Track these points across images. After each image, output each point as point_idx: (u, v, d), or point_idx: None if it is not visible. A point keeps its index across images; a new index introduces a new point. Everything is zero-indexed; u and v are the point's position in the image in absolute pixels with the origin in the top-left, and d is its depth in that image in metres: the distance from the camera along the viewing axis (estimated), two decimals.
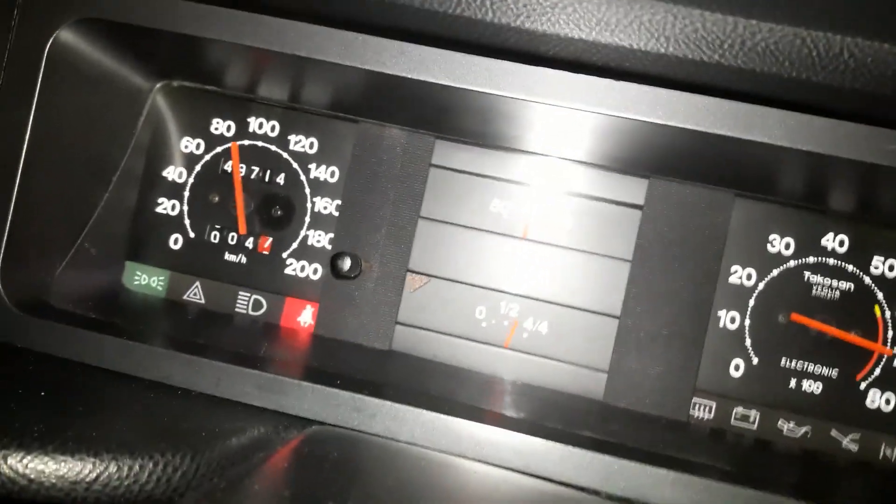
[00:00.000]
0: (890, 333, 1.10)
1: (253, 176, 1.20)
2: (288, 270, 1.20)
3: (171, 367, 0.96)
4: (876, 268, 1.11)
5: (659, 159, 1.06)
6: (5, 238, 0.99)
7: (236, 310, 1.20)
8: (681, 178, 1.12)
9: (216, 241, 1.21)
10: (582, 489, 0.90)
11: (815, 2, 0.82)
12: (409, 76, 0.93)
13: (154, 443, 0.83)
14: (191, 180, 1.21)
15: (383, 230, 1.16)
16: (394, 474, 0.86)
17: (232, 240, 1.20)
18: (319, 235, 1.19)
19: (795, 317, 1.11)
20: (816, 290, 1.12)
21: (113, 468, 0.79)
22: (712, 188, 1.11)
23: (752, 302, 1.13)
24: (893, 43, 0.81)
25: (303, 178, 1.19)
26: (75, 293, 1.10)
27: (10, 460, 0.77)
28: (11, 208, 0.99)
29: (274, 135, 1.20)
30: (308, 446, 0.89)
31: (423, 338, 1.17)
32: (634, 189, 1.14)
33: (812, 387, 1.11)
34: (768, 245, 1.13)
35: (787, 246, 1.13)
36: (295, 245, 1.20)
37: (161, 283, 1.21)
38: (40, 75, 0.98)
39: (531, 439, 0.91)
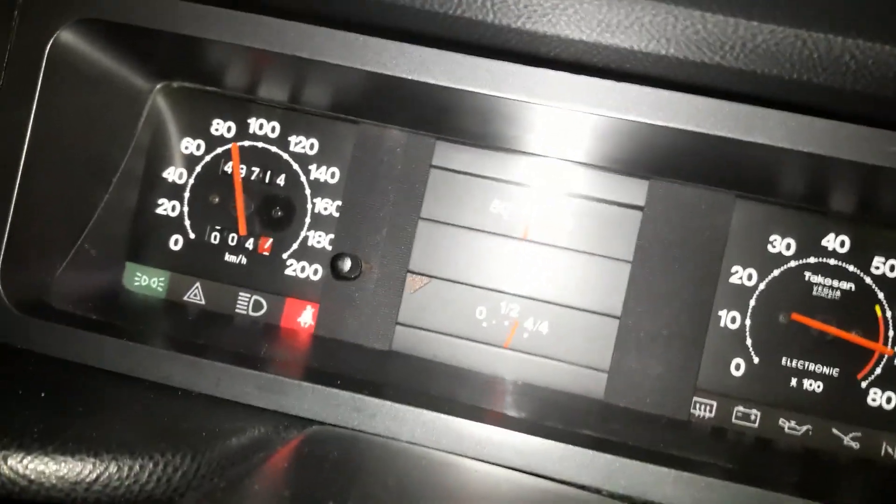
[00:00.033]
0: (891, 333, 1.10)
1: (253, 177, 1.20)
2: (288, 271, 1.20)
3: (171, 367, 0.96)
4: (877, 268, 1.11)
5: (659, 160, 1.06)
6: (5, 239, 0.99)
7: (236, 310, 1.20)
8: (681, 180, 1.12)
9: (216, 241, 1.21)
10: (583, 488, 0.90)
11: (815, 3, 0.82)
12: (410, 77, 0.93)
13: (154, 443, 0.83)
14: (191, 181, 1.21)
15: (384, 231, 1.16)
16: (394, 474, 0.86)
17: (232, 241, 1.20)
18: (320, 236, 1.19)
19: (796, 316, 1.11)
20: (817, 290, 1.12)
21: (113, 468, 0.79)
22: (713, 189, 1.11)
23: (752, 302, 1.13)
24: (894, 45, 0.81)
25: (303, 178, 1.19)
26: (75, 294, 1.09)
27: (11, 461, 0.77)
28: (12, 209, 0.99)
29: (274, 136, 1.20)
30: (308, 446, 0.89)
31: (423, 338, 1.17)
32: (635, 190, 1.14)
33: (813, 386, 1.11)
34: (769, 246, 1.13)
35: (788, 246, 1.13)
36: (295, 246, 1.20)
37: (161, 284, 1.21)
38: (40, 76, 0.98)
39: (532, 438, 0.91)
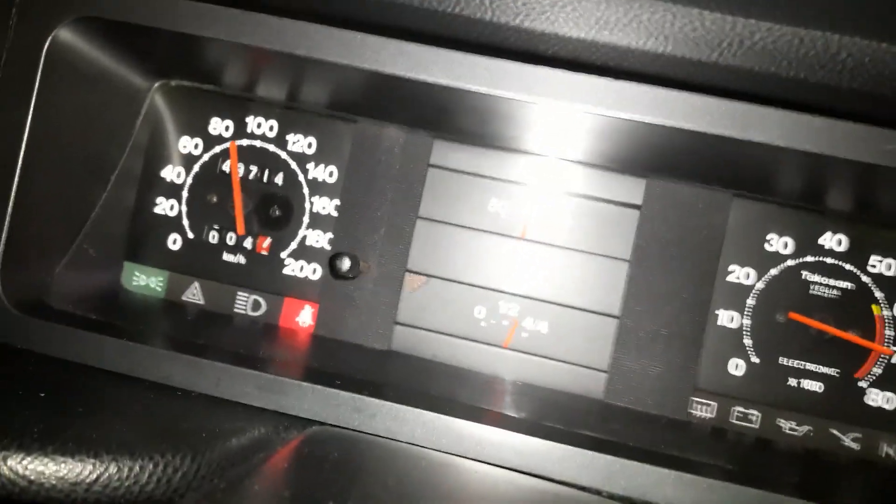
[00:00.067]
0: (888, 332, 1.10)
1: (251, 176, 1.20)
2: (287, 271, 1.20)
3: (170, 367, 0.96)
4: (874, 267, 1.12)
5: (657, 159, 1.06)
6: (4, 238, 0.99)
7: (235, 310, 1.20)
8: (679, 178, 1.12)
9: (215, 241, 1.20)
10: (583, 489, 0.90)
11: (813, 1, 0.82)
12: (408, 75, 0.93)
13: (154, 443, 0.83)
14: (189, 180, 1.21)
15: (382, 230, 1.16)
16: (394, 474, 0.86)
17: (230, 240, 1.20)
18: (318, 235, 1.19)
19: (794, 316, 1.11)
20: (815, 289, 1.12)
21: (113, 469, 0.79)
22: (710, 188, 1.12)
23: (750, 301, 1.13)
24: (891, 42, 0.81)
25: (301, 178, 1.19)
26: (74, 294, 1.09)
27: (10, 461, 0.77)
28: (10, 208, 0.98)
29: (272, 134, 1.20)
30: (308, 446, 0.89)
31: (422, 338, 1.17)
32: (633, 189, 1.14)
33: (812, 386, 1.12)
34: (766, 244, 1.13)
35: (786, 245, 1.13)
36: (294, 245, 1.19)
37: (160, 284, 1.21)
38: (38, 74, 0.97)
39: (531, 439, 0.91)
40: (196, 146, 1.21)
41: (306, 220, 1.19)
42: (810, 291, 1.12)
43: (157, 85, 1.18)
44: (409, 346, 1.17)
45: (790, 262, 1.13)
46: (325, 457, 0.86)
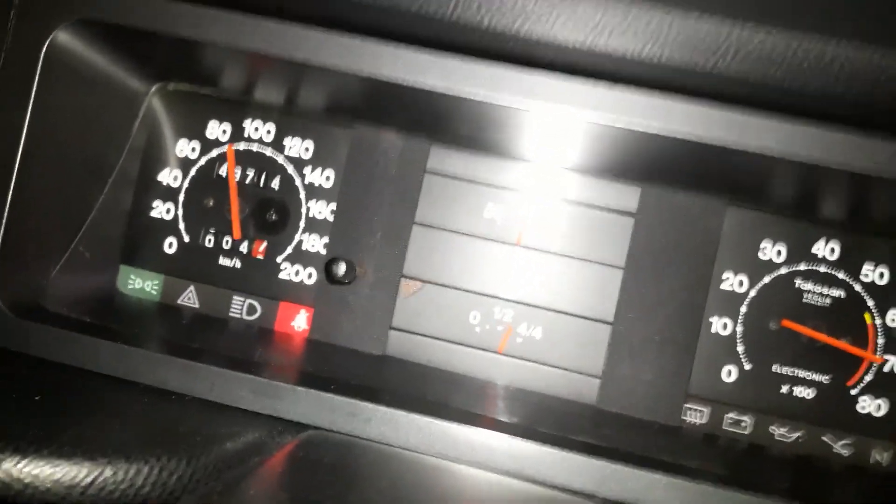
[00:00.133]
0: (880, 340, 1.11)
1: (248, 180, 1.20)
2: (282, 275, 1.20)
3: (165, 371, 0.96)
4: (866, 275, 1.12)
5: (652, 166, 1.07)
6: (0, 241, 0.98)
7: (230, 314, 1.20)
8: (674, 186, 1.12)
9: (211, 245, 1.20)
10: (576, 493, 0.90)
11: (808, 9, 0.82)
12: (405, 81, 0.93)
13: (150, 447, 0.83)
14: (186, 184, 1.21)
15: (378, 235, 1.17)
16: (388, 479, 0.87)
17: (226, 244, 1.20)
18: (314, 240, 1.19)
19: (786, 323, 1.12)
20: (807, 296, 1.13)
21: (108, 472, 0.79)
22: (705, 196, 1.12)
23: (743, 308, 1.13)
24: (886, 50, 0.81)
25: (298, 182, 1.19)
26: (70, 297, 1.09)
27: (6, 464, 0.76)
28: (7, 211, 0.98)
29: (269, 139, 1.20)
30: (303, 451, 0.89)
31: (417, 343, 1.17)
32: (627, 196, 1.15)
33: (804, 392, 1.12)
34: (760, 252, 1.14)
35: (779, 253, 1.13)
36: (289, 250, 1.20)
37: (155, 287, 1.21)
38: (37, 76, 0.97)
39: (525, 444, 0.91)
40: (193, 150, 1.21)
41: (302, 224, 1.19)
42: (803, 299, 1.13)
43: (154, 88, 1.18)
44: (405, 351, 1.17)
45: (783, 270, 1.13)
46: (320, 461, 0.86)
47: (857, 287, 1.12)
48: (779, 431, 1.12)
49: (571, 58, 0.89)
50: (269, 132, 1.20)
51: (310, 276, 1.19)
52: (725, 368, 1.13)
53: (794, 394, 1.12)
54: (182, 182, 1.21)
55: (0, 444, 0.77)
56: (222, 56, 1.02)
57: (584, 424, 1.04)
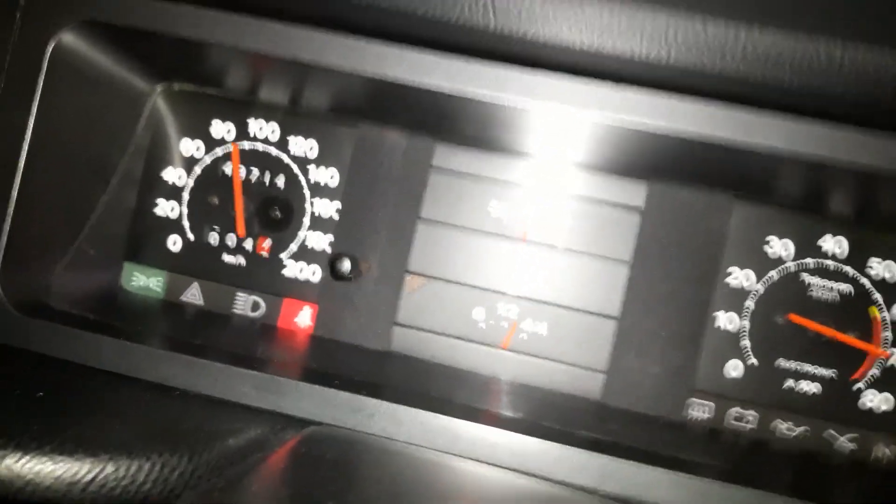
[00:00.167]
0: (886, 335, 1.10)
1: (253, 178, 1.20)
2: (286, 272, 1.20)
3: (169, 367, 0.96)
4: (873, 270, 1.11)
5: (659, 163, 1.07)
6: (5, 239, 0.99)
7: (234, 311, 1.20)
8: (680, 182, 1.12)
9: (215, 242, 1.21)
10: (580, 489, 0.90)
11: (813, 9, 0.82)
12: (411, 82, 0.93)
13: (151, 443, 0.83)
14: (190, 182, 1.21)
15: (383, 232, 1.17)
16: (392, 474, 0.86)
17: (231, 242, 1.20)
18: (319, 237, 1.19)
19: (793, 318, 1.11)
20: (814, 291, 1.12)
21: (110, 469, 0.79)
22: (711, 191, 1.12)
23: (749, 303, 1.13)
24: (891, 49, 0.81)
25: (303, 180, 1.20)
26: (73, 294, 1.10)
27: (7, 461, 0.77)
28: (12, 209, 0.99)
29: (274, 138, 1.20)
30: (306, 446, 0.89)
31: (421, 339, 1.17)
32: (634, 192, 1.15)
33: (809, 387, 1.11)
34: (766, 247, 1.13)
35: (785, 248, 1.13)
36: (294, 247, 1.20)
37: (159, 285, 1.22)
38: (42, 77, 0.98)
39: (529, 439, 0.91)
40: (198, 149, 1.21)
41: (307, 222, 1.20)
42: (809, 294, 1.12)
43: (159, 88, 1.18)
44: (409, 346, 1.17)
45: (790, 265, 1.13)
46: (323, 457, 0.86)
47: (864, 282, 1.11)
48: (783, 426, 1.11)
49: (577, 59, 0.89)
50: (273, 131, 1.20)
51: (314, 273, 1.19)
52: (730, 364, 1.13)
53: (798, 389, 1.12)
54: (186, 180, 1.21)
55: (2, 441, 0.78)
56: (226, 57, 1.02)
57: (589, 420, 1.04)
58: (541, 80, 0.92)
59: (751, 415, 1.12)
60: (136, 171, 1.20)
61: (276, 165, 1.20)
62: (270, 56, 0.95)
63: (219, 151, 1.21)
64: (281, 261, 1.20)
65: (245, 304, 1.20)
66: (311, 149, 1.20)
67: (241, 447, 0.88)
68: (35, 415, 0.84)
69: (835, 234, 1.12)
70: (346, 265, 1.12)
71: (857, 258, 1.12)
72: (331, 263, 1.13)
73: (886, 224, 1.10)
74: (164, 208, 1.21)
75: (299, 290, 1.20)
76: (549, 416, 1.01)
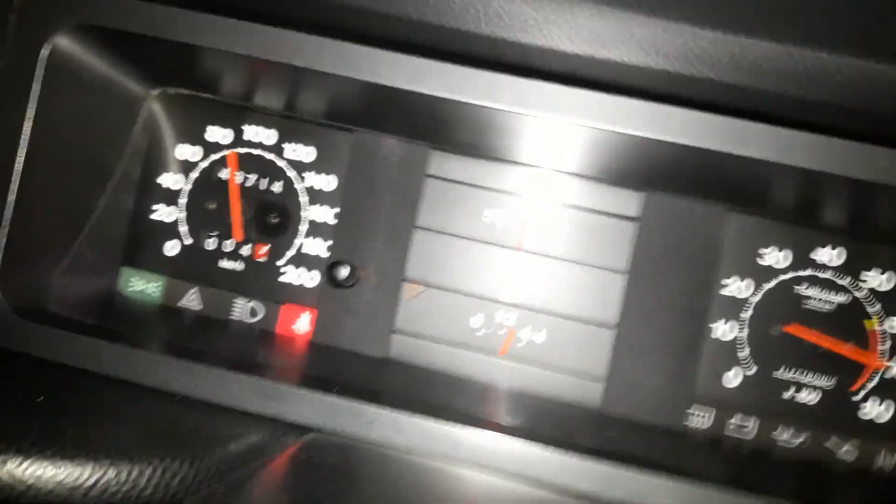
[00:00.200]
0: (882, 346, 1.11)
1: (250, 184, 1.20)
2: (284, 278, 1.19)
3: (167, 372, 0.95)
4: (868, 281, 1.12)
5: (654, 173, 1.07)
6: (4, 242, 0.98)
7: (232, 317, 1.20)
8: (676, 192, 1.13)
9: (212, 247, 1.20)
10: (579, 496, 0.90)
11: (805, 20, 0.83)
12: (405, 87, 0.93)
13: (153, 448, 0.83)
14: (187, 187, 1.21)
15: (380, 239, 1.17)
16: (391, 481, 0.86)
17: (228, 247, 1.20)
18: (316, 243, 1.19)
19: (788, 329, 1.12)
20: (809, 302, 1.13)
21: (111, 474, 0.79)
22: (707, 202, 1.12)
23: (746, 313, 1.13)
24: (882, 61, 0.82)
25: (299, 186, 1.19)
26: (71, 298, 1.09)
27: (8, 465, 0.76)
28: (10, 213, 0.98)
29: (271, 143, 1.20)
30: (306, 453, 0.89)
31: (419, 346, 1.17)
32: (630, 201, 1.15)
33: (808, 397, 1.12)
34: (761, 258, 1.14)
35: (781, 259, 1.13)
36: (291, 253, 1.19)
37: (156, 290, 1.21)
38: (37, 80, 0.97)
39: (528, 446, 0.91)
40: (194, 154, 1.21)
41: (304, 228, 1.19)
42: (805, 305, 1.13)
43: (155, 93, 1.18)
44: (407, 354, 1.17)
45: (785, 276, 1.13)
46: (323, 463, 0.86)
47: (860, 293, 1.12)
48: (783, 435, 1.12)
49: (572, 66, 0.89)
50: (269, 137, 1.20)
51: (312, 279, 1.19)
52: (730, 372, 1.13)
53: (797, 399, 1.12)
54: (183, 185, 1.21)
55: (2, 445, 0.77)
56: (222, 62, 1.02)
57: (588, 428, 1.04)
58: (534, 87, 0.92)
59: (750, 424, 1.13)
60: (133, 175, 1.19)
61: (273, 171, 1.20)
62: (267, 62, 0.95)
63: (215, 156, 1.20)
64: (278, 267, 1.20)
65: (243, 309, 1.19)
66: (307, 154, 1.19)
67: (241, 453, 0.88)
68: (35, 418, 0.83)
69: (830, 246, 1.13)
70: (344, 272, 1.12)
71: (853, 269, 1.13)
72: (329, 270, 1.13)
73: (882, 235, 1.11)
74: (162, 213, 1.21)
75: (297, 296, 1.19)
76: (548, 423, 1.01)
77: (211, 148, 1.21)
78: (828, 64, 0.82)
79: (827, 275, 1.13)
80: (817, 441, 1.12)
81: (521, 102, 0.92)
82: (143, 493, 0.79)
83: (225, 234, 1.20)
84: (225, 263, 1.20)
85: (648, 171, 1.06)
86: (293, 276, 1.19)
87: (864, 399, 1.12)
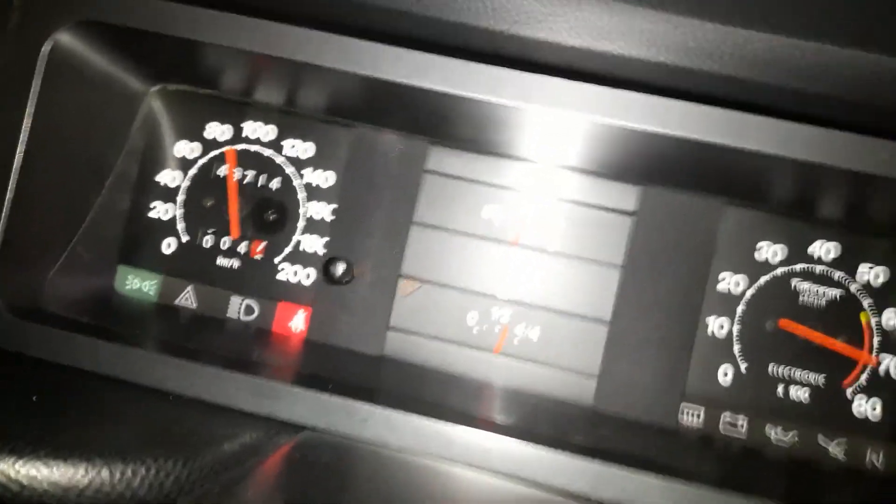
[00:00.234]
0: (875, 341, 1.11)
1: (247, 180, 1.20)
2: (280, 275, 1.20)
3: (162, 371, 0.96)
4: (863, 276, 1.12)
5: (652, 166, 1.07)
6: (0, 241, 0.99)
7: (228, 315, 1.20)
8: (673, 186, 1.12)
9: (209, 245, 1.21)
10: (571, 495, 0.90)
11: (809, 13, 0.82)
12: (405, 82, 0.93)
13: (147, 448, 0.83)
14: (185, 184, 1.21)
15: (377, 235, 1.17)
16: (385, 480, 0.87)
17: (225, 244, 1.20)
18: (313, 240, 1.19)
19: (783, 324, 1.12)
20: (804, 297, 1.13)
21: (105, 474, 0.79)
22: (703, 196, 1.12)
23: (740, 309, 1.13)
24: (885, 54, 0.82)
25: (297, 182, 1.19)
26: (67, 297, 1.09)
27: (2, 465, 0.77)
28: (7, 211, 0.98)
29: (269, 139, 1.20)
30: (300, 452, 0.90)
31: (414, 343, 1.17)
32: (626, 196, 1.15)
33: (799, 394, 1.12)
34: (757, 252, 1.14)
35: (776, 253, 1.13)
36: (288, 250, 1.20)
37: (153, 288, 1.21)
38: (37, 77, 0.98)
39: (521, 445, 0.91)
40: (192, 150, 1.21)
41: (301, 224, 1.19)
42: (800, 300, 1.13)
43: (154, 89, 1.18)
44: (402, 351, 1.17)
45: (780, 270, 1.13)
46: (317, 462, 0.87)
47: (854, 288, 1.12)
48: (774, 433, 1.12)
49: (571, 60, 0.89)
50: (268, 133, 1.20)
51: (308, 276, 1.19)
52: (722, 369, 1.13)
53: (789, 395, 1.12)
54: (181, 182, 1.21)
55: None
56: (222, 57, 1.02)
57: (581, 425, 1.04)
58: (535, 81, 0.92)
59: (741, 421, 1.13)
60: (130, 172, 1.19)
61: (271, 167, 1.20)
62: (266, 57, 0.95)
63: (214, 153, 1.21)
64: (275, 264, 1.20)
65: (239, 307, 1.20)
66: (305, 150, 1.19)
67: (235, 452, 0.88)
68: (30, 418, 0.84)
69: (825, 240, 1.13)
70: (340, 269, 1.12)
71: (848, 263, 1.12)
72: (325, 267, 1.13)
73: (877, 229, 1.11)
74: (159, 210, 1.21)
75: (293, 293, 1.19)
76: (542, 421, 1.02)
77: (210, 144, 1.21)
78: (829, 56, 0.82)
79: (823, 269, 1.13)
80: (809, 438, 1.11)
81: (522, 96, 0.92)
82: (137, 494, 0.80)
83: (222, 232, 1.20)
84: (222, 261, 1.20)
85: (645, 165, 1.06)
86: (289, 273, 1.20)
87: (857, 394, 1.11)
